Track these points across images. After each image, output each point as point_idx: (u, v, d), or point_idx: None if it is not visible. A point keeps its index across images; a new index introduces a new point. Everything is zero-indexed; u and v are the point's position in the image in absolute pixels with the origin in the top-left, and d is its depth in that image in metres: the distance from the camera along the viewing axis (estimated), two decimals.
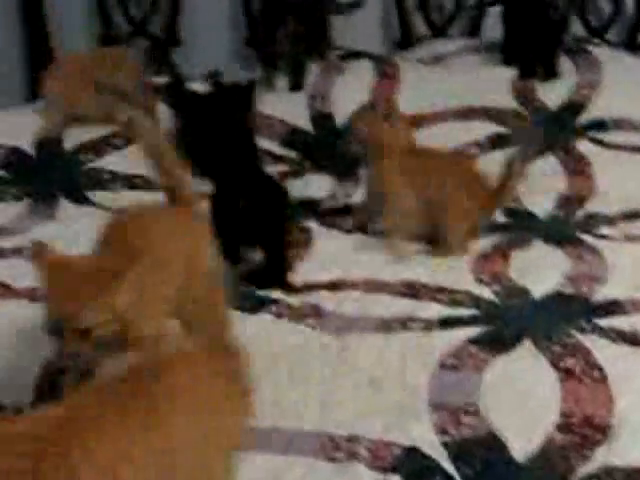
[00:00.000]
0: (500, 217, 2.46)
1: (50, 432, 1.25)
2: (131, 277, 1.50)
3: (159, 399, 1.29)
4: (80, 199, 2.58)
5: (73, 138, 2.85)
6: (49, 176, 2.71)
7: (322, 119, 2.92)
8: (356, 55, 3.16)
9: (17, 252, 2.30)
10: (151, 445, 1.26)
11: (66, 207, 2.54)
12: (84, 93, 2.91)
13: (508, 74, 2.97)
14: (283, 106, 2.63)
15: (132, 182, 2.68)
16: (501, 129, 2.80)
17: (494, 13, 3.12)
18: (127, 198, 2.52)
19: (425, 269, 2.19)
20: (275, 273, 2.18)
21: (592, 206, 2.48)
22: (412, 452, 1.57)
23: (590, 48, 3.05)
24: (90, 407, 1.29)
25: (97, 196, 2.62)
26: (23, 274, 2.14)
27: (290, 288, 2.14)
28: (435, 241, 2.32)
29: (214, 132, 2.25)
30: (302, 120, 2.91)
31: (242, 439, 1.39)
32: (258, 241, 2.21)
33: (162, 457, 1.26)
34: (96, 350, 1.50)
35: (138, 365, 1.41)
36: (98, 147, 2.82)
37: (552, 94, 2.88)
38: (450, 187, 2.33)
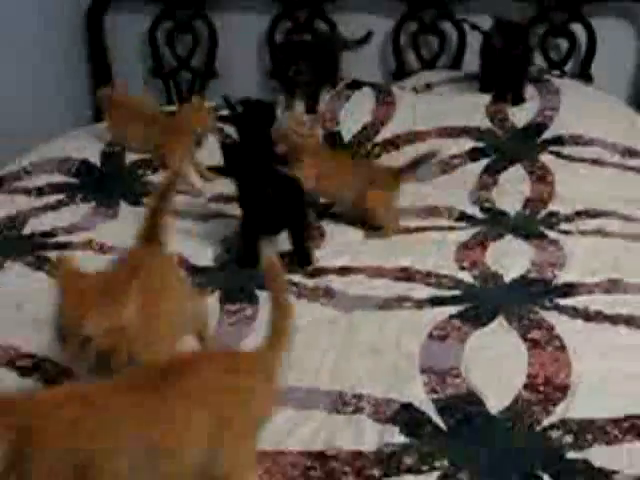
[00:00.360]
0: (479, 214, 2.48)
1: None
2: (134, 289, 1.46)
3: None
4: (137, 203, 2.57)
5: (132, 155, 2.87)
6: (112, 184, 2.72)
7: (331, 136, 2.93)
8: (359, 84, 3.16)
9: (85, 245, 2.31)
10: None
11: (125, 209, 2.54)
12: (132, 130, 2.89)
13: (484, 99, 2.97)
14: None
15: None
16: (478, 144, 2.82)
17: (472, 50, 3.12)
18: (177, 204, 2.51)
19: (417, 257, 2.20)
20: (301, 256, 2.19)
21: (552, 206, 2.51)
22: (407, 407, 1.60)
23: (550, 78, 3.06)
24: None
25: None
26: (91, 263, 2.16)
27: (310, 263, 2.19)
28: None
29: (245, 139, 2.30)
30: None
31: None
32: (284, 226, 2.21)
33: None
34: (97, 360, 1.43)
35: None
36: (152, 164, 2.83)
37: (520, 115, 2.89)
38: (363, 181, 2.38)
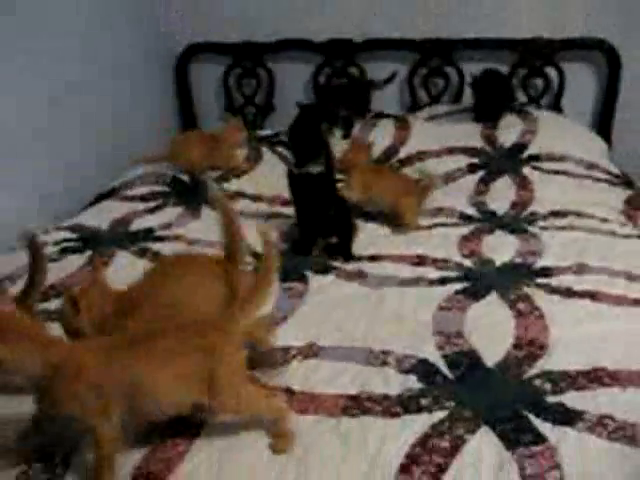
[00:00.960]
0: (475, 214, 2.45)
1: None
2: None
3: None
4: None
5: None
6: (196, 193, 2.73)
7: None
8: (383, 115, 3.15)
9: (176, 238, 2.32)
10: None
11: (206, 212, 2.55)
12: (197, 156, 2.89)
13: (478, 126, 2.95)
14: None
15: (244, 196, 2.70)
16: (474, 160, 2.79)
17: (469, 90, 3.10)
18: (241, 206, 2.55)
19: (429, 247, 2.18)
20: (344, 250, 2.18)
21: (532, 208, 2.47)
22: (423, 361, 1.60)
23: (530, 110, 3.03)
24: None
25: None
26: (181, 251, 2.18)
27: (352, 258, 2.16)
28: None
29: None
30: None
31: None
32: (334, 231, 2.21)
33: None
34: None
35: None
36: (225, 176, 2.83)
37: (506, 138, 2.86)
38: (396, 188, 2.39)
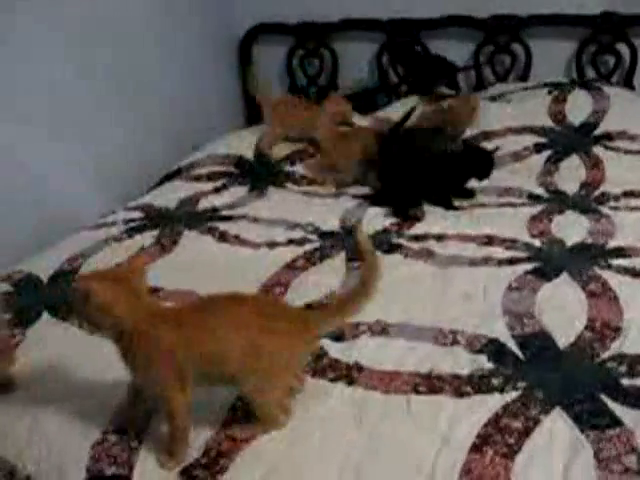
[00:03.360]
0: (544, 194, 2.40)
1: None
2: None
3: None
4: (281, 186, 2.63)
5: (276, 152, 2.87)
6: (261, 173, 2.74)
7: None
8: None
9: (242, 217, 2.34)
10: None
11: (272, 191, 2.57)
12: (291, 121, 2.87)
13: (545, 104, 2.86)
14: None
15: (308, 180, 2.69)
16: (542, 139, 2.72)
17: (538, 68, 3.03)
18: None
19: (497, 227, 2.14)
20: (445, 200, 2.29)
21: (604, 188, 2.40)
22: (493, 341, 1.58)
23: (601, 86, 2.92)
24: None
25: (288, 187, 2.65)
26: (247, 231, 2.20)
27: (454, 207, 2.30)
28: None
29: None
30: None
31: None
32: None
33: None
34: None
35: None
36: (292, 158, 2.82)
37: (576, 116, 2.77)
38: None
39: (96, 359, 1.50)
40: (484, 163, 2.37)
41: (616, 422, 1.31)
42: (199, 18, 3.30)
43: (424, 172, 2.34)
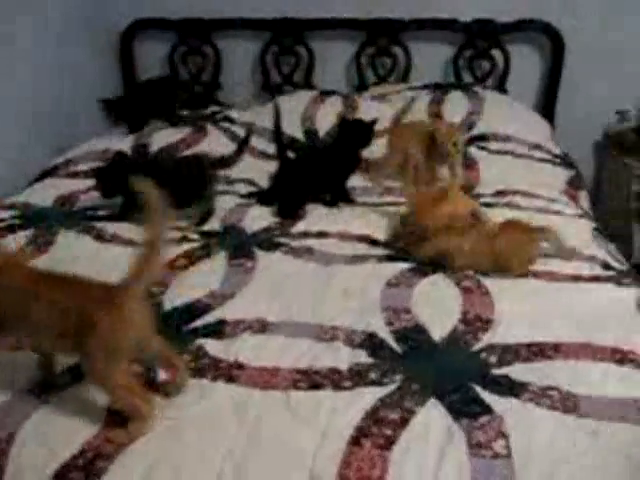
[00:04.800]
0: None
1: None
2: None
3: None
4: None
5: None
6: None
7: (310, 133, 2.92)
8: (332, 92, 3.14)
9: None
10: None
11: None
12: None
13: (425, 104, 2.95)
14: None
15: None
16: None
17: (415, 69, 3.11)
18: None
19: (377, 226, 2.18)
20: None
21: (479, 188, 2.50)
22: (371, 336, 1.61)
23: (476, 89, 3.05)
24: None
25: None
26: (125, 230, 2.14)
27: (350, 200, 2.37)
28: None
29: None
30: (298, 133, 2.91)
31: None
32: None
33: None
34: None
35: None
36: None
37: (452, 117, 2.84)
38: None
39: None
40: (364, 133, 2.40)
41: (487, 410, 1.36)
42: (77, 12, 3.20)
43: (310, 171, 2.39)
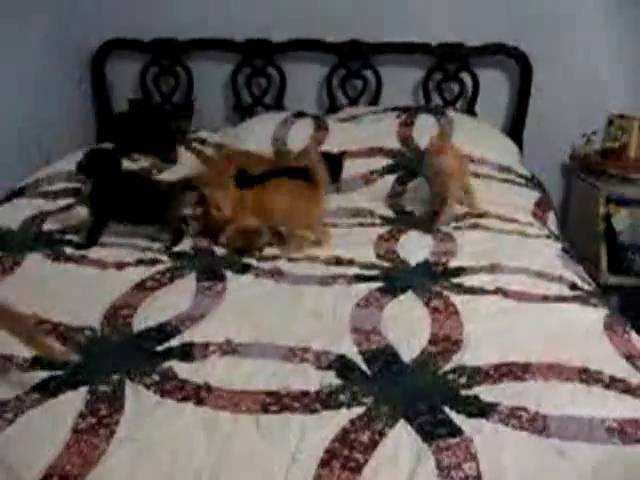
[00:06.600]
0: (393, 215, 2.50)
1: None
2: None
3: None
4: None
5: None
6: None
7: (281, 153, 2.93)
8: (303, 114, 3.15)
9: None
10: None
11: None
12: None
13: (394, 127, 2.98)
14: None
15: None
16: (390, 161, 2.83)
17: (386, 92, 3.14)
18: None
19: (346, 247, 2.20)
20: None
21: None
22: (341, 357, 1.60)
23: (446, 112, 3.10)
24: None
25: None
26: (94, 252, 2.13)
27: None
28: None
29: None
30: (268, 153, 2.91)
31: None
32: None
33: None
34: None
35: None
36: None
37: (422, 139, 2.83)
38: None
39: None
40: (333, 167, 2.40)
41: (456, 431, 1.36)
42: (48, 32, 3.19)
43: None
